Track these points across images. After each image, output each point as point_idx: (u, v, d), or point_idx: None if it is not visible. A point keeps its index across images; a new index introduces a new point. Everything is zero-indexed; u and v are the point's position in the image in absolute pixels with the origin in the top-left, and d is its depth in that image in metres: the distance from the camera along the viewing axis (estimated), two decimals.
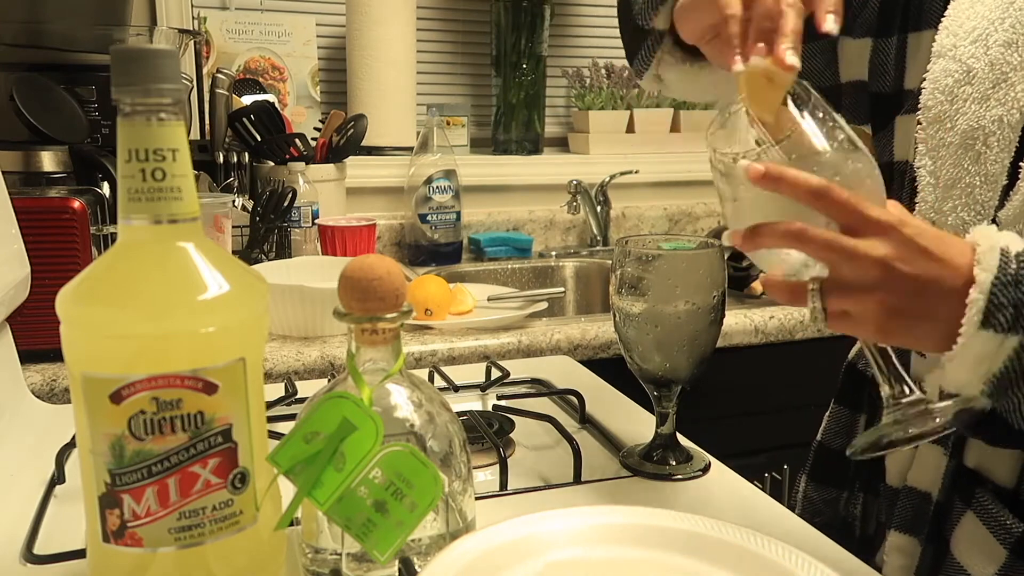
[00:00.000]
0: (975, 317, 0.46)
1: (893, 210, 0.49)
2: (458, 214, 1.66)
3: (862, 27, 0.72)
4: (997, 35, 0.61)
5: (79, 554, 0.54)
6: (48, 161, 1.09)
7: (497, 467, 0.67)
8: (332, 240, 1.35)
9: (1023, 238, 0.50)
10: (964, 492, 0.62)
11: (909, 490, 0.66)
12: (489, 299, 1.27)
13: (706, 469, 0.70)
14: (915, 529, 0.65)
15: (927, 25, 0.67)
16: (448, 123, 1.79)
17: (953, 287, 0.47)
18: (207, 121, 1.45)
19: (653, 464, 0.70)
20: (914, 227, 0.47)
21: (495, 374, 0.91)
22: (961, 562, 0.61)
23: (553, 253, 1.75)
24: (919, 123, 0.64)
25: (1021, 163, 0.58)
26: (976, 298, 0.46)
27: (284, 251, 1.41)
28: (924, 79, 0.64)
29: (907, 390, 0.47)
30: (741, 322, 1.24)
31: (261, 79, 1.66)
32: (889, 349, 0.50)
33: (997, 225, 0.58)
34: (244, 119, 1.44)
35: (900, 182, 0.69)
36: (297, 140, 1.48)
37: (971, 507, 0.61)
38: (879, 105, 0.72)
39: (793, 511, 0.65)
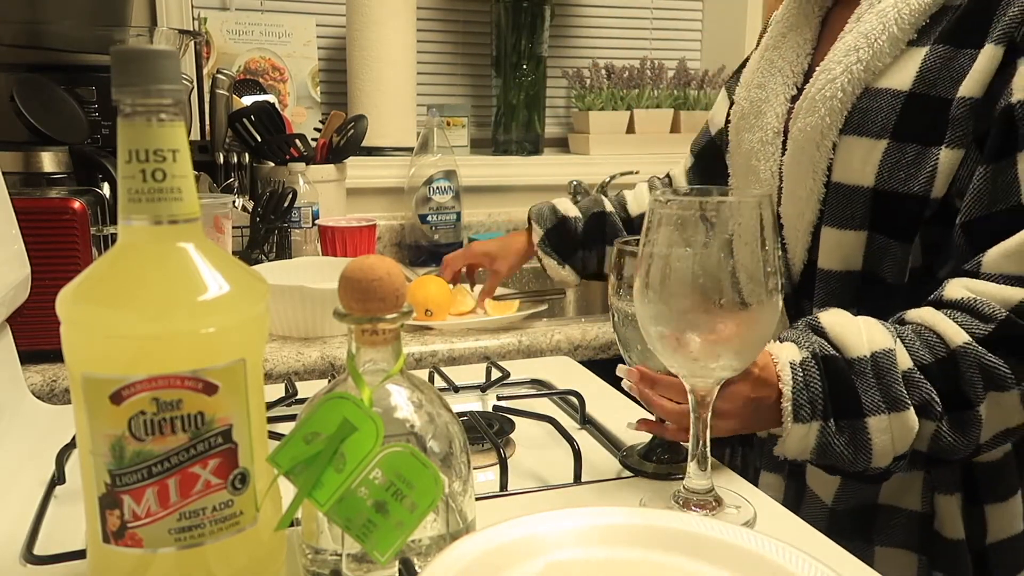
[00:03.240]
0: (788, 418, 0.67)
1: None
2: (458, 215, 1.66)
3: None
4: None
5: (79, 554, 0.54)
6: (48, 161, 1.09)
7: (497, 467, 0.67)
8: (332, 241, 1.35)
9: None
10: None
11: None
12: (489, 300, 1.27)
13: None
14: (779, 468, 0.89)
15: None
16: (448, 123, 1.79)
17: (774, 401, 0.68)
18: (207, 122, 1.45)
19: (653, 464, 0.70)
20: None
21: (495, 374, 0.91)
22: (813, 489, 0.86)
23: None
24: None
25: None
26: (786, 406, 0.67)
27: (284, 252, 1.41)
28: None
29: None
30: None
31: (261, 79, 1.66)
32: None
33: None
34: (244, 119, 1.44)
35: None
36: (297, 140, 1.48)
37: None
38: None
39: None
